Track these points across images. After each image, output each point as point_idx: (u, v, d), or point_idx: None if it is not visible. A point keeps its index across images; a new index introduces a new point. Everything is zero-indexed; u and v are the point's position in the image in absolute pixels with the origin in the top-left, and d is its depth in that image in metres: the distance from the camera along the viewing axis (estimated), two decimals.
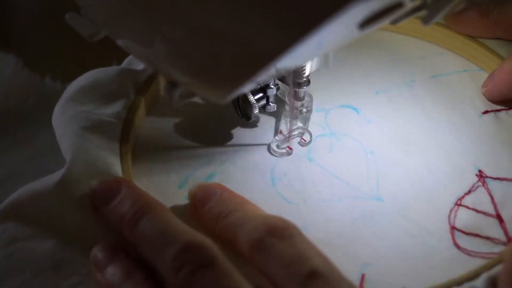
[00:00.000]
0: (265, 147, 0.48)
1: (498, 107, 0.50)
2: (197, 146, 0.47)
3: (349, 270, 0.40)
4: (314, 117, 0.50)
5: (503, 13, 0.51)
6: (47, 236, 0.41)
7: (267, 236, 0.36)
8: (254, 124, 0.49)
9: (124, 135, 0.47)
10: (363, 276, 0.41)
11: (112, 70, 0.50)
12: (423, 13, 0.38)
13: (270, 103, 0.48)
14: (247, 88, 0.44)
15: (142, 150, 0.48)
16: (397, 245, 0.42)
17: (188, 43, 0.35)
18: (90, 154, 0.44)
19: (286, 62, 0.33)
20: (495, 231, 0.43)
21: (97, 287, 0.38)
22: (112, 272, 0.37)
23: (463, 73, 0.54)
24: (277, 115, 0.50)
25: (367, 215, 0.44)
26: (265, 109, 0.49)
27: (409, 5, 0.33)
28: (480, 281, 0.38)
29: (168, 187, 0.46)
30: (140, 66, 0.51)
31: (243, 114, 0.48)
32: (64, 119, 0.46)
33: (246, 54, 0.33)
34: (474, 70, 0.54)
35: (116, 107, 0.48)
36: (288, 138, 0.47)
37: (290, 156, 0.48)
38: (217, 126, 0.49)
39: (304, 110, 0.47)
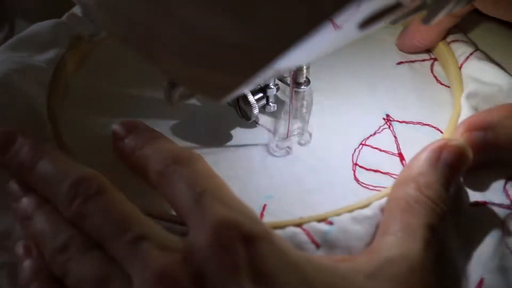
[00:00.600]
0: (265, 147, 0.47)
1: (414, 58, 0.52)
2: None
3: (252, 201, 0.42)
4: None
5: None
6: None
7: (171, 164, 0.38)
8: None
9: (54, 81, 0.48)
10: (264, 206, 0.43)
11: (49, 22, 0.52)
12: (423, 13, 0.38)
13: (270, 103, 0.48)
14: (246, 88, 0.44)
15: (71, 103, 0.49)
16: (299, 179, 0.45)
17: (186, 44, 0.35)
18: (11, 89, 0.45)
19: (286, 63, 0.33)
20: (396, 168, 0.45)
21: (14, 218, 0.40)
22: (26, 201, 0.39)
23: (385, 28, 0.56)
24: (277, 115, 0.49)
25: (278, 157, 0.47)
26: (265, 109, 0.48)
27: (409, 5, 0.34)
28: (370, 208, 0.40)
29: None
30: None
31: (243, 114, 0.48)
32: None
33: (245, 55, 0.33)
34: (397, 27, 0.56)
35: (49, 55, 0.50)
36: (287, 138, 0.47)
37: None
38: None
39: (304, 110, 0.47)
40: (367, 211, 0.40)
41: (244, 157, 0.46)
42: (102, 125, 0.48)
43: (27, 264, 0.37)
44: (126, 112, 0.49)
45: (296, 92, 0.46)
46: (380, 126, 0.48)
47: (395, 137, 0.47)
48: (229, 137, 0.48)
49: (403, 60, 0.53)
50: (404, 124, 0.48)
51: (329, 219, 0.40)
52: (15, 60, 0.48)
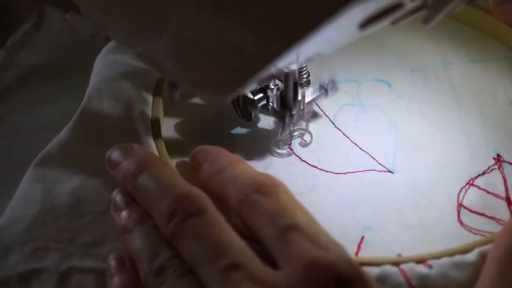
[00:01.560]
0: (266, 148, 0.47)
1: None
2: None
3: (350, 231, 0.42)
4: (346, 87, 0.52)
5: None
6: (68, 178, 0.44)
7: (253, 192, 0.38)
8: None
9: (158, 86, 0.49)
10: (362, 237, 0.42)
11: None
12: (423, 13, 0.37)
13: (270, 103, 0.48)
14: (248, 88, 0.44)
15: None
16: (401, 213, 0.44)
17: (186, 46, 0.35)
18: (115, 91, 0.47)
19: (287, 62, 0.34)
20: (503, 213, 0.43)
21: (110, 226, 0.41)
22: (128, 215, 0.40)
23: (503, 60, 0.54)
24: (277, 115, 0.49)
25: (378, 184, 0.45)
26: (265, 109, 0.48)
27: (409, 6, 0.34)
28: (472, 254, 0.39)
29: None
30: None
31: (243, 114, 0.48)
32: (104, 65, 0.49)
33: (246, 56, 0.33)
34: None
35: None
36: (289, 138, 0.47)
37: (315, 119, 0.49)
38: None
39: (305, 111, 0.48)
40: (469, 257, 0.39)
41: (340, 184, 0.46)
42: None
43: (117, 279, 0.38)
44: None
45: (297, 93, 0.46)
46: (489, 166, 0.46)
47: (504, 179, 0.45)
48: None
49: None
50: None
51: (429, 262, 0.38)
52: (123, 62, 0.49)
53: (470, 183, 0.45)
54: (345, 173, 0.46)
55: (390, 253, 0.41)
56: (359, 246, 0.42)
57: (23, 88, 0.57)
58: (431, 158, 0.47)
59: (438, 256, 0.39)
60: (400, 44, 0.55)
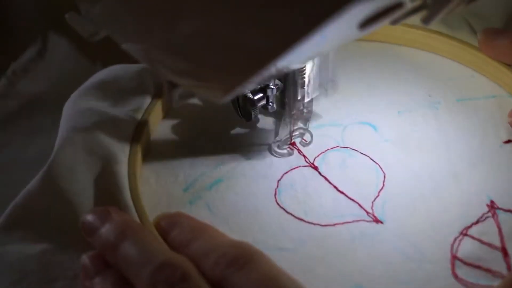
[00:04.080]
0: (266, 148, 0.48)
1: None
2: (197, 149, 0.48)
3: None
4: (330, 131, 0.50)
5: None
6: (37, 239, 0.41)
7: (228, 267, 0.36)
8: (253, 124, 0.49)
9: (136, 134, 0.47)
10: None
11: (134, 67, 0.51)
12: (423, 13, 0.36)
13: (270, 103, 0.48)
14: (247, 88, 0.44)
15: (155, 151, 0.48)
16: (393, 269, 0.41)
17: (186, 45, 0.35)
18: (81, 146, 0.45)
19: (287, 62, 0.33)
20: (498, 264, 0.41)
21: None
22: (101, 282, 0.38)
23: (491, 99, 0.52)
24: (277, 115, 0.50)
25: (367, 235, 0.43)
26: (265, 109, 0.49)
27: (409, 5, 0.33)
28: None
29: (174, 189, 0.46)
30: None
31: (243, 114, 0.48)
32: (74, 112, 0.47)
33: (246, 55, 0.33)
34: (504, 97, 0.52)
35: (132, 106, 0.49)
36: (289, 138, 0.47)
37: (301, 168, 0.47)
38: (217, 127, 0.49)
39: (305, 110, 0.47)
40: None
41: (328, 237, 0.43)
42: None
43: None
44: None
45: (297, 92, 0.45)
46: (483, 213, 0.44)
47: (499, 228, 0.43)
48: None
49: (511, 139, 0.49)
50: (509, 213, 0.44)
51: None
52: (98, 111, 0.47)
53: (464, 233, 0.43)
54: (334, 225, 0.44)
55: None
56: None
57: (23, 117, 0.56)
58: (421, 206, 0.45)
59: None
60: (385, 85, 0.53)
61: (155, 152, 0.48)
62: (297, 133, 0.48)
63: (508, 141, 0.49)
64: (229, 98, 0.37)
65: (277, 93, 0.48)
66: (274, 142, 0.47)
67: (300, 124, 0.48)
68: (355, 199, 0.45)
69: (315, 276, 0.41)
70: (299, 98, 0.47)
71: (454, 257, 0.42)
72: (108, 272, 0.38)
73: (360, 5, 0.29)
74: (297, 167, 0.47)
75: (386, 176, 0.47)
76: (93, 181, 0.44)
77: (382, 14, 0.32)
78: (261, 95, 0.47)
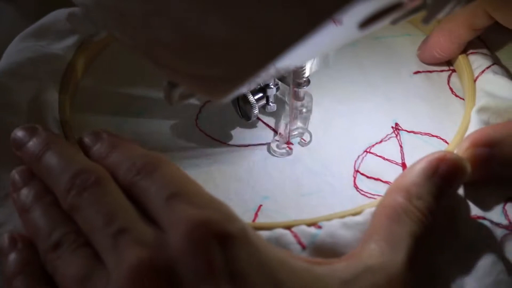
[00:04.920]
0: (265, 147, 0.48)
1: (432, 69, 0.52)
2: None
3: (248, 201, 0.44)
4: None
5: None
6: None
7: (137, 175, 0.38)
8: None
9: (68, 70, 0.50)
10: (259, 206, 0.43)
11: (68, 10, 0.53)
12: (423, 13, 0.37)
13: (270, 103, 0.48)
14: (246, 88, 0.44)
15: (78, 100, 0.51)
16: (299, 183, 0.45)
17: (184, 44, 0.35)
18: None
19: (285, 63, 0.33)
20: None
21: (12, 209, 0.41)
22: (26, 193, 0.40)
23: (406, 36, 0.55)
24: (277, 115, 0.50)
25: (279, 158, 0.47)
26: (265, 109, 0.48)
27: (409, 5, 0.33)
28: (362, 215, 0.40)
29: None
30: None
31: (243, 114, 0.48)
32: (11, 51, 0.50)
33: (245, 55, 0.33)
34: (418, 36, 0.55)
35: (67, 42, 0.51)
36: (287, 137, 0.48)
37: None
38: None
39: (304, 110, 0.48)
40: (358, 218, 0.40)
41: (244, 157, 0.47)
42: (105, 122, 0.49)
43: (12, 257, 0.38)
44: (128, 111, 0.50)
45: (297, 92, 0.46)
46: (387, 135, 0.47)
47: (401, 146, 0.46)
48: (230, 137, 0.48)
49: (420, 70, 0.52)
50: (412, 134, 0.47)
51: (319, 224, 0.39)
52: (32, 49, 0.50)
53: (367, 151, 0.46)
54: (247, 146, 0.47)
55: (286, 220, 0.41)
56: (256, 214, 0.43)
57: None
58: (333, 130, 0.48)
59: (328, 219, 0.40)
60: None
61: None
62: (296, 132, 0.48)
63: (417, 72, 0.52)
64: (228, 98, 0.36)
65: (277, 92, 0.48)
66: (273, 142, 0.48)
67: (299, 124, 0.48)
68: (271, 125, 0.48)
69: (226, 189, 0.44)
70: (298, 97, 0.47)
71: (357, 172, 0.45)
72: (33, 183, 0.40)
73: (360, 5, 0.29)
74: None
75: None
76: (26, 105, 0.46)
77: (382, 13, 0.32)
78: (260, 94, 0.47)
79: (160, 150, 0.46)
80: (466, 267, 0.39)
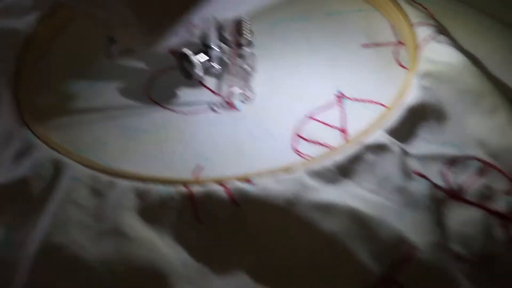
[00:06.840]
0: (211, 114, 0.49)
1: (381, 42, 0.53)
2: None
3: (189, 162, 0.45)
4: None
5: None
6: None
7: None
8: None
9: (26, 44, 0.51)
10: (198, 165, 0.44)
11: None
12: None
13: (213, 64, 0.49)
14: (181, 36, 0.44)
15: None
16: (241, 146, 0.46)
17: None
18: None
19: (215, 9, 0.36)
20: (337, 142, 0.45)
21: None
22: None
23: (357, 12, 0.56)
24: (220, 76, 0.50)
25: (224, 121, 0.48)
26: (210, 72, 0.50)
27: None
28: (297, 173, 0.41)
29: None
30: None
31: (186, 74, 0.49)
32: None
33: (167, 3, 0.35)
34: (370, 11, 0.56)
35: (28, 19, 0.53)
36: (230, 96, 0.49)
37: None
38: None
39: (247, 68, 0.49)
40: (290, 175, 0.41)
41: (189, 122, 0.48)
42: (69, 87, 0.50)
43: None
44: (83, 77, 0.52)
45: (238, 51, 0.47)
46: (330, 102, 0.48)
47: (342, 113, 0.47)
48: (177, 104, 0.50)
49: (369, 43, 0.53)
50: (355, 101, 0.48)
51: (250, 179, 0.40)
52: None
53: (309, 116, 0.47)
54: (194, 112, 0.48)
55: None
56: (196, 174, 0.43)
57: None
58: (277, 95, 0.50)
59: (260, 174, 0.41)
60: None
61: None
62: (238, 91, 0.49)
63: (366, 45, 0.53)
64: (158, 47, 0.38)
65: (220, 53, 0.49)
66: (215, 100, 0.50)
67: (241, 82, 0.49)
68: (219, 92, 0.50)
69: (171, 152, 0.45)
70: (240, 56, 0.48)
71: (297, 136, 0.46)
72: None
73: None
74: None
75: (252, 74, 0.51)
76: None
77: None
78: (202, 54, 0.48)
79: (110, 117, 0.48)
80: None
